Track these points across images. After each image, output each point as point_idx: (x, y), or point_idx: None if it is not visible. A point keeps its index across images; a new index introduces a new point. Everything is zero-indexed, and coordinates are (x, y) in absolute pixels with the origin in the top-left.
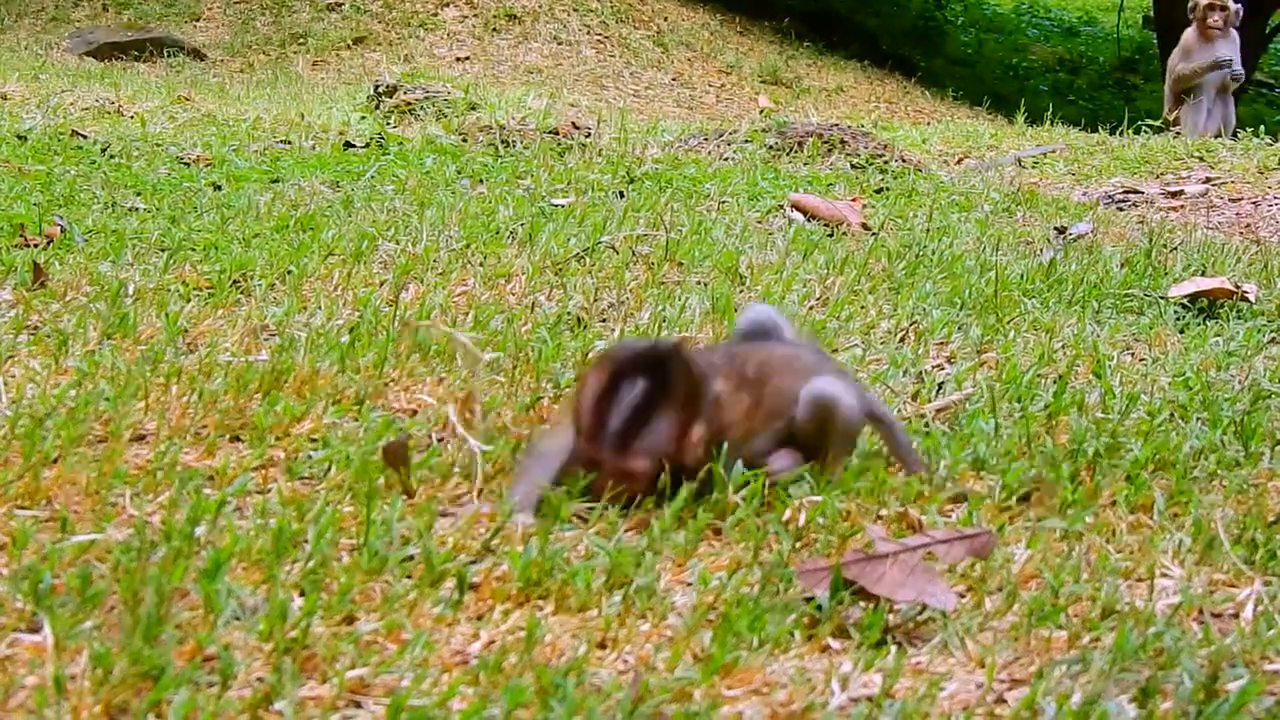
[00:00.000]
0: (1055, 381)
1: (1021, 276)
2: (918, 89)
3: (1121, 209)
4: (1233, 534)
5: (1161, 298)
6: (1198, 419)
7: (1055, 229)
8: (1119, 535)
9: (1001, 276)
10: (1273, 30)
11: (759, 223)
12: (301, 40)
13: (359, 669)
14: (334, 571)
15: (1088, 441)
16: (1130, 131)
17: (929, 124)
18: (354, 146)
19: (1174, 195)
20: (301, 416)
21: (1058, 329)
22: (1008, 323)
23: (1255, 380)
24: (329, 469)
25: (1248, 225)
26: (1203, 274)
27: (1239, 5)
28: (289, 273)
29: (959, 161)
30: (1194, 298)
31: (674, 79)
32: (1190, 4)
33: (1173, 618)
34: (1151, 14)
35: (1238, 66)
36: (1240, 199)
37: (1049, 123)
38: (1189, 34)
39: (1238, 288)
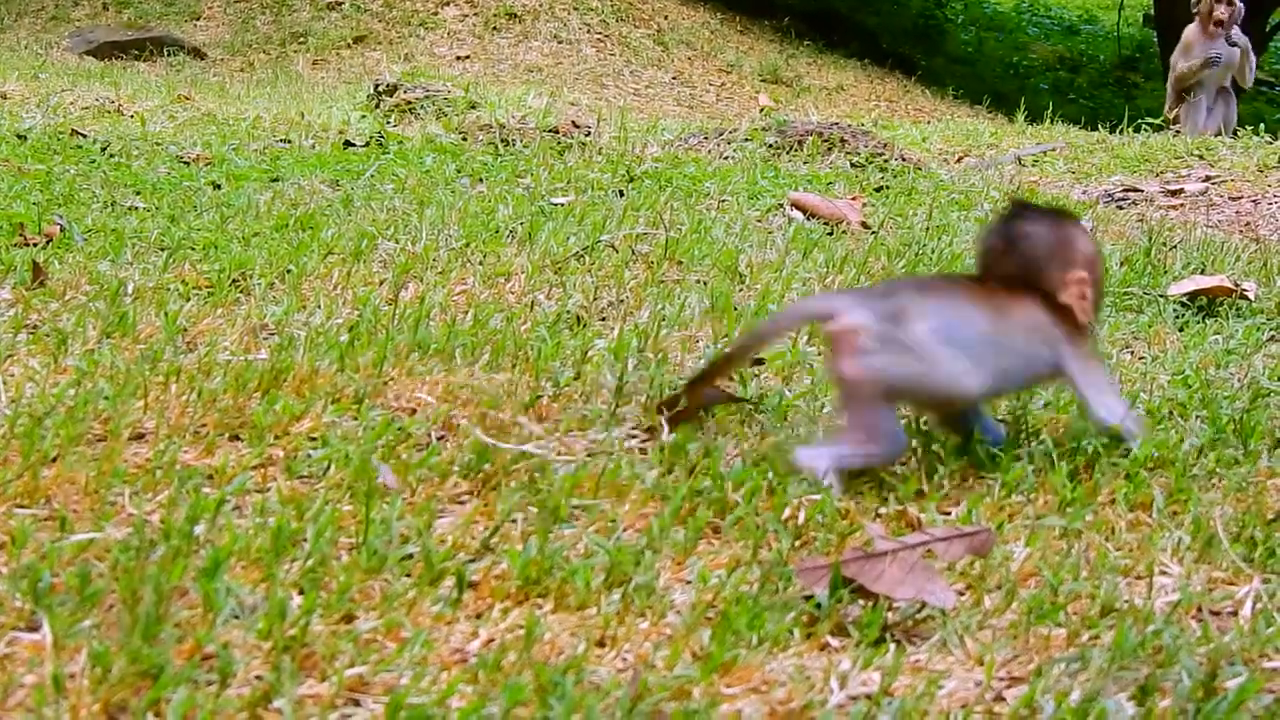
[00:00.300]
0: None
1: None
2: (918, 87)
3: (1121, 207)
4: (1231, 532)
5: (1161, 296)
6: (1197, 417)
7: None
8: (1118, 533)
9: None
10: (1273, 29)
11: (759, 221)
12: (302, 39)
13: (358, 667)
14: (333, 570)
15: (1087, 439)
16: (1130, 130)
17: (929, 122)
18: (354, 145)
19: (1174, 194)
20: (300, 415)
21: None
22: None
23: (1254, 378)
24: (328, 468)
25: (1247, 223)
26: (1202, 272)
27: (1242, 4)
28: (288, 272)
29: (959, 160)
30: (1193, 296)
31: (674, 78)
32: (1193, 6)
33: (1171, 615)
34: (1152, 12)
35: (1238, 36)
36: (1240, 197)
37: (1049, 121)
38: (1190, 30)
39: (1237, 286)
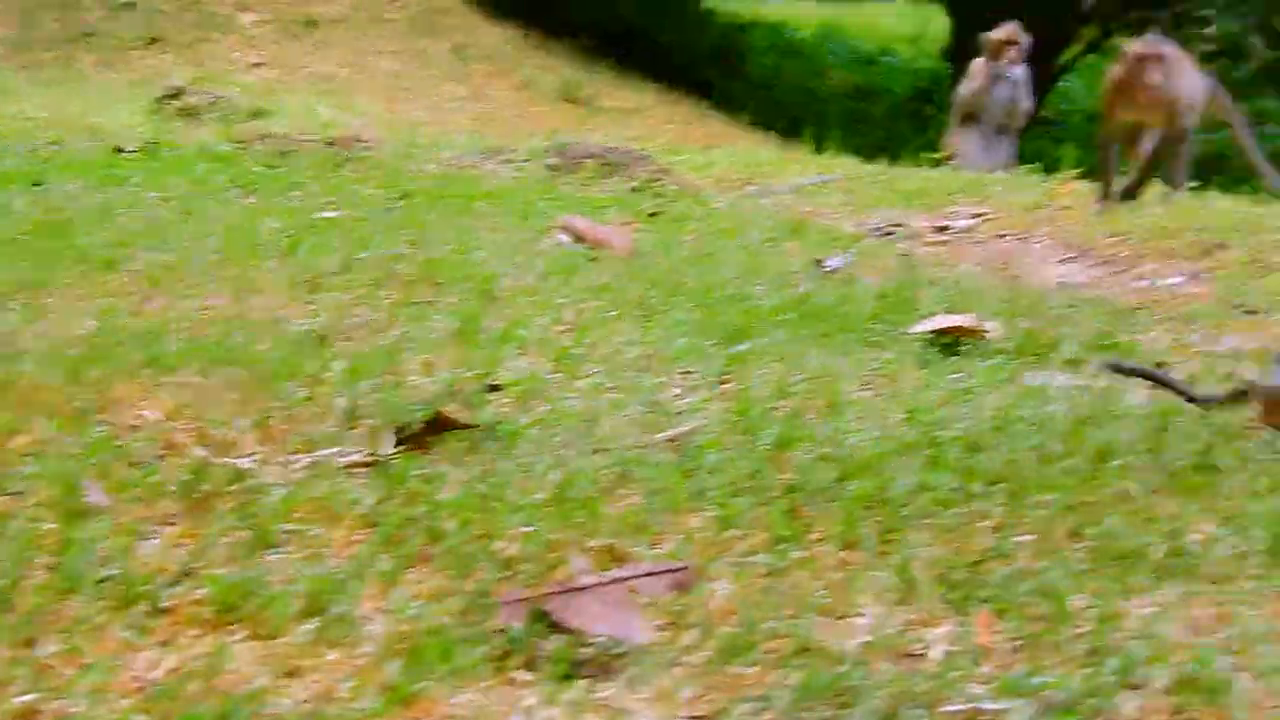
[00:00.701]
0: (790, 415)
1: (775, 308)
2: (714, 111)
3: (888, 241)
4: (936, 573)
5: (907, 333)
6: (920, 456)
7: (814, 261)
8: (826, 572)
9: (754, 307)
10: (1060, 69)
11: (527, 244)
12: (91, 39)
13: (30, 694)
14: (24, 591)
15: (812, 476)
16: (911, 163)
17: (719, 148)
18: (127, 150)
19: (941, 229)
20: (18, 431)
21: (802, 362)
22: (753, 354)
23: (983, 418)
24: (35, 485)
25: (1006, 262)
26: (951, 311)
27: (1029, 40)
28: (32, 281)
29: (740, 187)
30: (939, 334)
31: (471, 93)
32: (982, 41)
33: (863, 656)
34: (947, 45)
35: (1016, 73)
36: (1005, 235)
37: (840, 151)
38: (977, 63)
39: (980, 325)
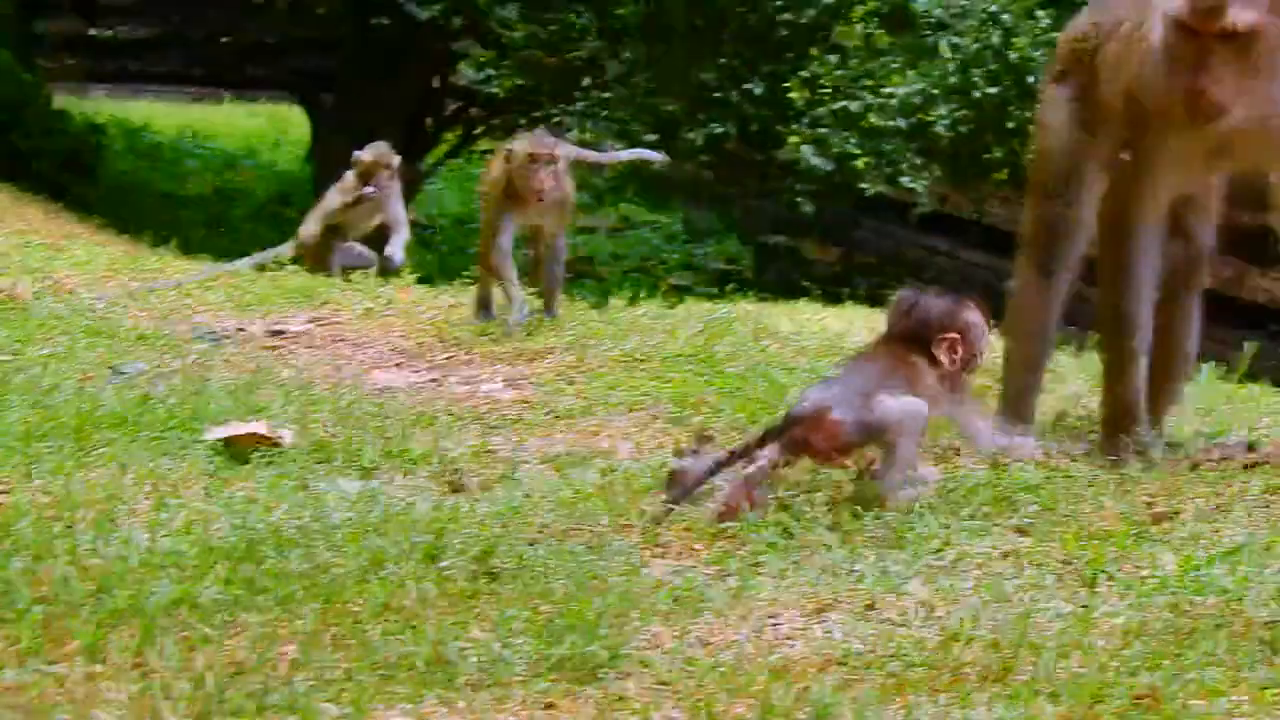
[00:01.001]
0: (54, 527)
1: (62, 415)
2: (66, 214)
3: (211, 346)
4: (185, 686)
5: (200, 440)
6: (187, 567)
7: (110, 367)
8: (72, 685)
9: (40, 413)
10: (426, 172)
11: None
12: None
13: None
14: None
15: (67, 589)
16: (267, 268)
17: (54, 249)
18: None
19: (276, 333)
20: None
21: (79, 471)
22: (24, 464)
23: (260, 527)
24: None
25: (332, 368)
26: (252, 417)
27: (398, 161)
28: None
29: (65, 291)
30: (231, 441)
31: None
32: (354, 161)
33: None
34: (311, 147)
35: (397, 210)
36: (340, 340)
37: (196, 253)
38: (349, 177)
39: (275, 433)
